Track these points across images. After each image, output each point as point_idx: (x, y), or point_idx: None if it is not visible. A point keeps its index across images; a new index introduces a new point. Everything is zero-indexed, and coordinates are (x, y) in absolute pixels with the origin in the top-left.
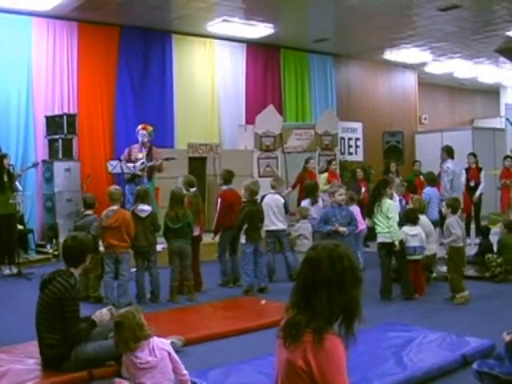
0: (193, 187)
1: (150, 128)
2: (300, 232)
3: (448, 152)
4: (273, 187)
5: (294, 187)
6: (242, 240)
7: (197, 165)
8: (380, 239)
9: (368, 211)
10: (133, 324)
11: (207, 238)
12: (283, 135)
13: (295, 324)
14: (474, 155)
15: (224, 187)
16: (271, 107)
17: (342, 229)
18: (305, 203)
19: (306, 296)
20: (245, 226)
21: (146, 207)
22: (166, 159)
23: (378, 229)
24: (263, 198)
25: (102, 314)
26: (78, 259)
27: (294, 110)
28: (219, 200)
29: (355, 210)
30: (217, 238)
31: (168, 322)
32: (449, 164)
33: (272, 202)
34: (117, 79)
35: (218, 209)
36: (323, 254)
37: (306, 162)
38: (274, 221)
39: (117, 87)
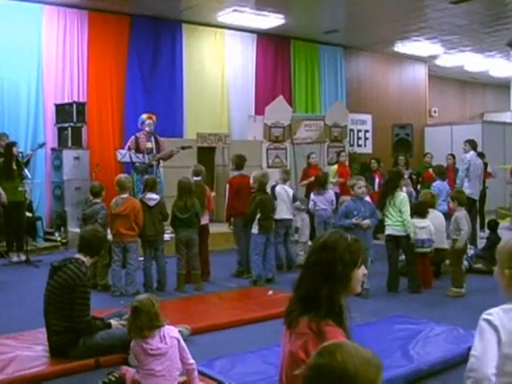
0: (197, 176)
1: (154, 117)
2: (295, 223)
3: (471, 144)
4: (284, 180)
5: (302, 182)
6: (254, 230)
7: (206, 155)
8: (389, 231)
9: (380, 203)
10: (151, 312)
11: (216, 228)
12: (292, 126)
13: (291, 312)
14: (453, 156)
15: (236, 173)
16: (281, 98)
17: (365, 222)
18: (313, 195)
19: (304, 284)
20: (258, 216)
21: (155, 196)
22: (183, 148)
23: (389, 221)
24: (273, 188)
25: (117, 324)
26: (95, 251)
27: (303, 102)
28: (227, 186)
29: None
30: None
31: (175, 311)
32: (467, 154)
33: (283, 191)
34: (127, 68)
35: (227, 197)
36: (331, 243)
37: (308, 157)
38: (283, 210)
39: (127, 76)
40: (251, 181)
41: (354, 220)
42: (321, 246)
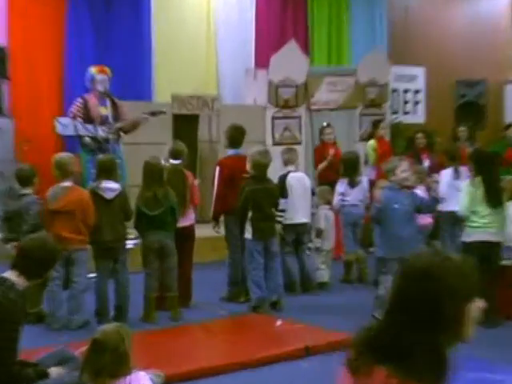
0: (177, 158)
1: (108, 70)
2: (318, 224)
3: None
4: (287, 162)
5: (318, 166)
6: (247, 234)
7: (185, 126)
8: (478, 236)
9: None
10: (119, 352)
11: (200, 231)
12: (309, 85)
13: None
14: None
15: (230, 152)
16: (292, 43)
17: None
18: (342, 185)
19: (389, 330)
20: (249, 214)
21: (113, 185)
22: (152, 114)
23: (478, 221)
24: (284, 177)
25: (59, 373)
26: (38, 270)
27: (325, 50)
28: (217, 170)
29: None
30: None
31: (141, 349)
32: None
33: (298, 183)
34: (68, 3)
35: (215, 184)
36: (435, 268)
37: (321, 132)
38: (299, 211)
39: (68, 15)
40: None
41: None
42: (417, 274)
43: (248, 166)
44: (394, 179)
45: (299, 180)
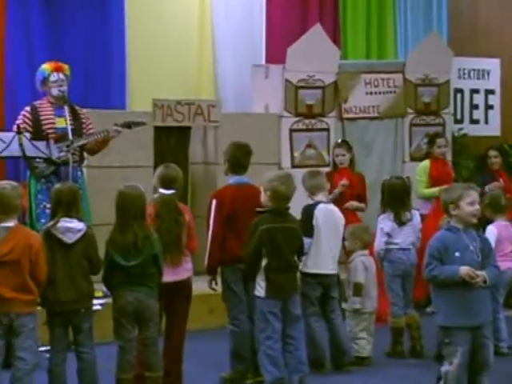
0: (169, 188)
1: (66, 68)
2: (354, 277)
3: None
4: (314, 190)
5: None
6: (259, 291)
7: (171, 142)
8: None
9: None
10: None
11: (197, 284)
12: (341, 85)
13: None
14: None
15: (230, 180)
16: (318, 29)
17: (479, 276)
18: (386, 222)
19: None
20: (263, 262)
21: (76, 224)
22: (127, 125)
23: None
24: (310, 209)
25: None
26: None
27: (361, 39)
28: (213, 204)
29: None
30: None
31: None
32: None
33: (327, 219)
34: None
35: (210, 223)
36: None
37: (334, 152)
38: (327, 258)
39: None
40: (261, 193)
41: (461, 267)
42: None
43: (263, 197)
44: (457, 214)
45: (329, 215)
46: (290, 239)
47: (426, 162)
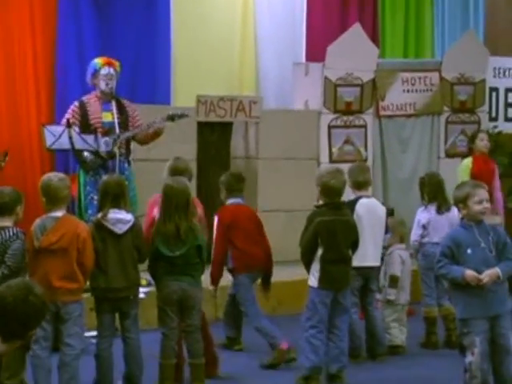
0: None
1: (117, 64)
2: (391, 269)
3: None
4: (360, 186)
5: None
6: (313, 280)
7: (213, 137)
8: None
9: None
10: None
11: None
12: (379, 83)
13: None
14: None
15: (229, 201)
16: (357, 28)
17: (487, 274)
18: (425, 214)
19: None
20: (319, 253)
21: (125, 215)
22: (171, 118)
23: None
24: (352, 204)
25: None
26: (14, 331)
27: (399, 38)
28: (215, 221)
29: None
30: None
31: None
32: None
33: (369, 213)
34: None
35: (214, 238)
36: None
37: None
38: (369, 249)
39: None
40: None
41: (465, 271)
42: None
43: (317, 191)
44: (466, 213)
45: (371, 209)
46: (347, 232)
47: (468, 161)
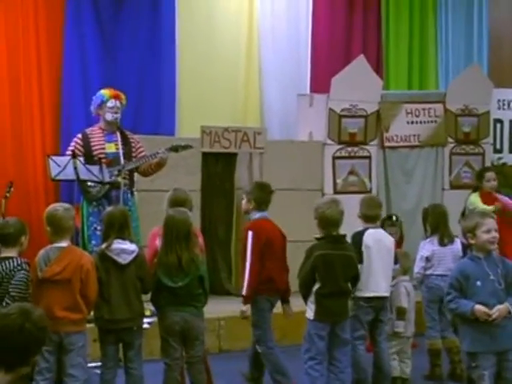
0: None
1: (123, 97)
2: (398, 301)
3: None
4: (371, 219)
5: None
6: (309, 312)
7: (218, 168)
8: None
9: None
10: None
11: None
12: (383, 114)
13: None
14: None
15: (256, 215)
16: (362, 60)
17: (497, 309)
18: (428, 246)
19: None
20: (315, 287)
21: (129, 245)
22: (174, 149)
23: None
24: (359, 235)
25: None
26: (18, 359)
27: (403, 70)
28: (249, 235)
29: None
30: (249, 311)
31: None
32: None
33: (378, 244)
34: (66, 12)
35: (248, 253)
36: None
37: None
38: (380, 280)
39: (66, 26)
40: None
41: (475, 306)
42: None
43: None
44: (475, 243)
45: (379, 239)
46: (346, 267)
47: (475, 195)
